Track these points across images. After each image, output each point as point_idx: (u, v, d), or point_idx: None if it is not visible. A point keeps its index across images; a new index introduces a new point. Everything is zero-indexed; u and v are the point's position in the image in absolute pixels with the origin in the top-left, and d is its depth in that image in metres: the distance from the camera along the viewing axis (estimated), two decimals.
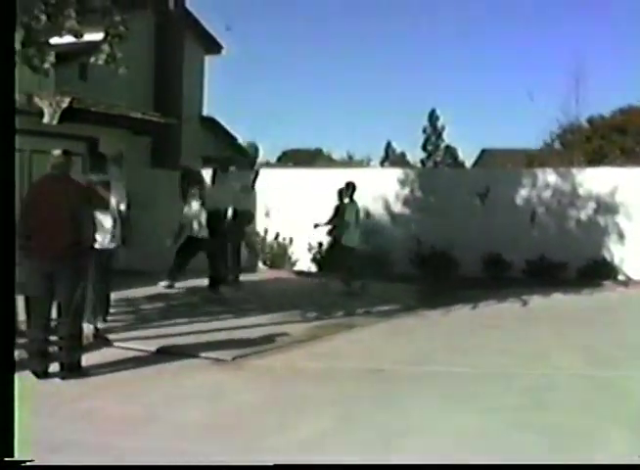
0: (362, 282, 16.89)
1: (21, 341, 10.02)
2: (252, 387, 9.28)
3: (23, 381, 9.00)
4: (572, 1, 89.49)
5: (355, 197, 17.60)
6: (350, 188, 17.27)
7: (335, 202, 17.26)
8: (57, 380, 9.19)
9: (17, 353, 9.69)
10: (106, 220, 11.82)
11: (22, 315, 10.27)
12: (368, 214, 20.02)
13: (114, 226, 12.20)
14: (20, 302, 10.55)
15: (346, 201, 17.25)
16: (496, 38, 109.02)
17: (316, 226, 17.38)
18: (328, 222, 17.25)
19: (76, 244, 9.26)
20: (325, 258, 18.33)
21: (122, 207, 12.43)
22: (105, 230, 11.80)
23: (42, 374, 9.20)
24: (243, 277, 18.14)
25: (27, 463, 5.43)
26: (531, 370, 10.02)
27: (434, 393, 8.93)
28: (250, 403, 8.54)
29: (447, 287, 17.49)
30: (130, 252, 15.52)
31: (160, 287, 15.96)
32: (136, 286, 15.74)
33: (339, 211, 17.10)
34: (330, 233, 17.43)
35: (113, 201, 11.92)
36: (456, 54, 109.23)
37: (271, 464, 6.13)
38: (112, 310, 13.13)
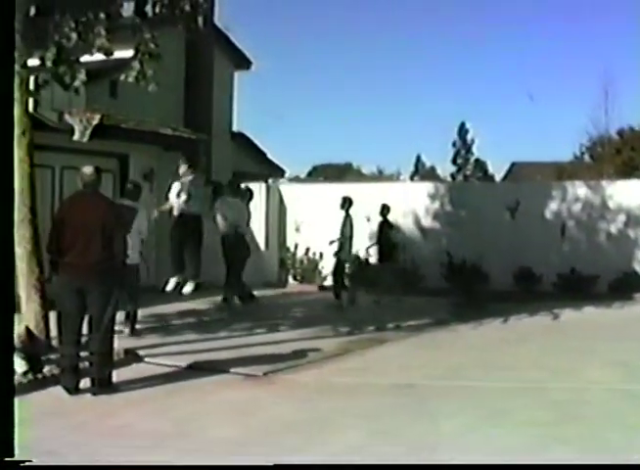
0: (350, 297, 17.40)
1: (52, 356, 10.10)
2: (283, 402, 9.26)
3: (55, 397, 9.09)
4: (602, 12, 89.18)
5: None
6: (347, 202, 17.53)
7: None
8: (88, 395, 9.20)
9: (48, 369, 9.79)
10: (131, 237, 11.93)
11: (53, 331, 10.35)
12: (398, 229, 19.99)
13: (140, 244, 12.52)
14: (52, 317, 10.66)
15: (343, 215, 17.53)
16: (526, 51, 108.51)
17: (332, 243, 17.70)
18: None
19: (107, 260, 9.28)
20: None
21: (144, 231, 13.02)
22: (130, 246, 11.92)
23: (73, 390, 9.22)
24: (273, 292, 18.17)
25: (27, 463, 5.43)
26: (564, 384, 9.93)
27: (466, 407, 8.87)
28: (280, 419, 8.51)
29: (478, 301, 17.38)
30: (162, 268, 15.63)
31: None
32: (167, 302, 15.75)
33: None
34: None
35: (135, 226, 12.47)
36: (486, 66, 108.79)
37: (271, 464, 6.10)
38: (142, 326, 13.20)
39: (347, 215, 17.50)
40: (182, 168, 14.86)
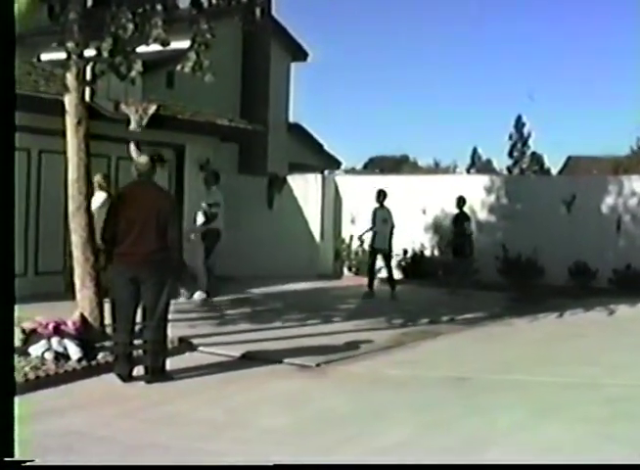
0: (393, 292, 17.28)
1: (106, 344, 10.18)
2: (336, 393, 9.26)
3: (108, 384, 9.17)
4: None
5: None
6: (381, 195, 17.71)
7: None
8: (141, 383, 9.25)
9: (102, 356, 9.87)
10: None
11: (108, 319, 10.43)
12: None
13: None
14: (106, 306, 10.75)
15: (377, 206, 17.68)
16: (584, 44, 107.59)
17: (360, 237, 18.52)
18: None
19: (162, 250, 9.33)
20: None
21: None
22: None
23: (127, 377, 9.28)
24: (329, 283, 18.18)
25: (27, 463, 5.45)
26: (618, 381, 9.78)
27: (519, 402, 8.80)
28: (332, 410, 8.50)
29: (533, 295, 17.26)
30: (220, 258, 15.75)
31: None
32: (223, 292, 15.81)
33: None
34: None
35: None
36: (543, 60, 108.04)
37: (271, 464, 6.09)
38: (196, 315, 13.28)
39: (382, 207, 17.57)
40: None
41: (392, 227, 17.59)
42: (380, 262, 17.71)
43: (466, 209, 18.72)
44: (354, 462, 6.55)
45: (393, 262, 19.50)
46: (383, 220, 17.41)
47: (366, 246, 18.67)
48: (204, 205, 15.67)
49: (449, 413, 8.34)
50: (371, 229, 17.51)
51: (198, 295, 15.34)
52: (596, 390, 9.35)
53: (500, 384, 9.70)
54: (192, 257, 15.42)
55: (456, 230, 18.45)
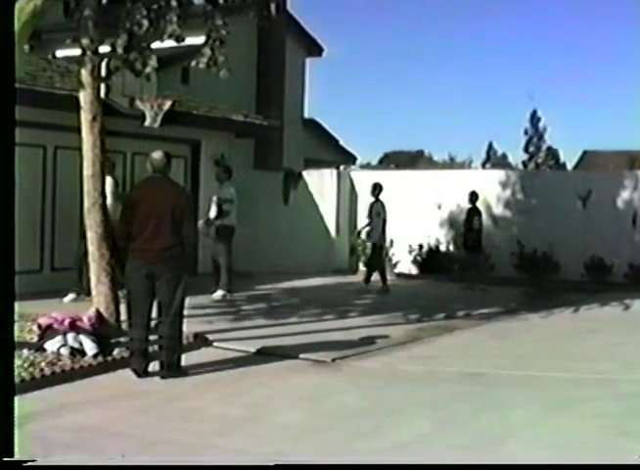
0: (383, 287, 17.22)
1: (122, 339, 10.20)
2: (351, 389, 9.25)
3: (124, 379, 9.19)
4: None
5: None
6: (377, 188, 17.59)
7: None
8: (156, 379, 9.26)
9: (117, 351, 9.89)
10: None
11: (123, 314, 10.46)
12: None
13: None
14: (122, 300, 10.78)
15: (373, 200, 17.60)
16: (599, 37, 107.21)
17: (359, 233, 18.55)
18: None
19: (177, 245, 9.34)
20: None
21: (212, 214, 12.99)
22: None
23: (142, 373, 9.29)
24: (344, 279, 18.21)
25: (28, 463, 5.45)
26: (634, 376, 9.75)
27: (534, 397, 8.78)
28: (348, 405, 8.50)
29: (548, 290, 17.22)
30: (235, 254, 15.76)
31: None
32: (240, 287, 15.82)
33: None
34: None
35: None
36: (558, 53, 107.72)
37: (272, 464, 6.09)
38: (212, 311, 13.30)
39: (377, 201, 17.51)
40: None
41: (385, 221, 17.56)
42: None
43: (480, 204, 18.70)
44: (354, 462, 6.53)
45: (409, 257, 19.54)
46: (377, 214, 17.39)
47: (360, 241, 18.69)
48: (214, 198, 15.60)
49: (464, 408, 8.34)
50: (369, 224, 17.48)
51: (220, 292, 15.32)
52: (611, 385, 9.33)
53: (515, 379, 9.67)
54: (215, 253, 15.46)
55: (467, 225, 18.43)
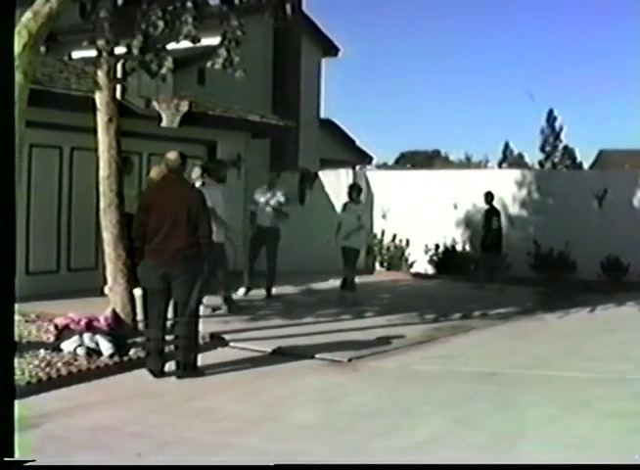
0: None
1: (138, 339, 10.24)
2: (367, 388, 9.26)
3: (140, 379, 9.22)
4: None
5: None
6: (354, 189, 16.36)
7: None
8: (173, 379, 9.30)
9: (133, 352, 9.92)
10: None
11: (140, 315, 10.49)
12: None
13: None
14: (138, 301, 10.82)
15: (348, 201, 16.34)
16: (616, 36, 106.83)
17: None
18: None
19: (192, 246, 9.36)
20: None
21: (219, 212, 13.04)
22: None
23: (158, 373, 9.32)
24: (361, 279, 18.24)
25: (28, 463, 5.46)
26: None
27: (549, 397, 8.76)
28: (364, 405, 8.52)
29: (565, 290, 17.19)
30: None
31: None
32: (256, 287, 15.82)
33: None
34: None
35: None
36: (575, 52, 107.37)
37: (272, 464, 6.09)
38: (222, 311, 13.34)
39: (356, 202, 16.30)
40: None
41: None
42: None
43: (496, 203, 18.66)
44: (355, 463, 6.52)
45: (425, 257, 19.56)
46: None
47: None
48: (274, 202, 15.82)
49: (480, 408, 8.35)
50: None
51: (241, 291, 15.34)
52: (627, 385, 9.31)
53: (531, 379, 9.66)
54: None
55: (487, 226, 18.39)
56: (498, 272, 18.13)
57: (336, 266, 16.45)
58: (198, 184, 12.96)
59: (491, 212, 18.43)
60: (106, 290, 13.48)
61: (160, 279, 9.32)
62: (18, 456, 5.40)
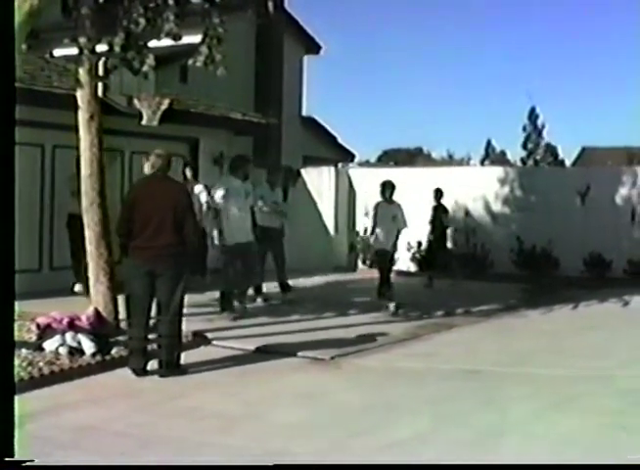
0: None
1: (120, 338, 10.21)
2: (350, 386, 9.26)
3: (122, 378, 9.19)
4: None
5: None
6: (387, 187, 15.30)
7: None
8: (155, 377, 9.27)
9: (116, 350, 9.89)
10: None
11: (122, 313, 10.45)
12: (467, 213, 20.04)
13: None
14: (120, 300, 10.78)
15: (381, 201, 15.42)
16: (597, 33, 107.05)
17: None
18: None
19: (177, 244, 9.35)
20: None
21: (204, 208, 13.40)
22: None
23: (141, 372, 9.29)
24: (343, 276, 18.23)
25: (27, 463, 5.44)
26: (632, 372, 9.76)
27: (533, 394, 8.78)
28: (347, 403, 8.50)
29: (548, 286, 17.26)
30: None
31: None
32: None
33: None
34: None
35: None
36: (556, 49, 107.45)
37: (271, 464, 6.09)
38: (211, 310, 13.28)
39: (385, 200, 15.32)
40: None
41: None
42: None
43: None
44: (355, 462, 6.53)
45: (408, 255, 19.60)
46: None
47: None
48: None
49: (464, 406, 8.34)
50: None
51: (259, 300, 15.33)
52: (610, 382, 9.32)
53: (514, 376, 9.68)
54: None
55: (434, 222, 18.37)
56: (446, 270, 18.16)
57: (318, 264, 16.46)
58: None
59: (439, 209, 18.37)
60: (76, 288, 13.52)
61: (145, 277, 9.29)
62: (17, 456, 5.37)
